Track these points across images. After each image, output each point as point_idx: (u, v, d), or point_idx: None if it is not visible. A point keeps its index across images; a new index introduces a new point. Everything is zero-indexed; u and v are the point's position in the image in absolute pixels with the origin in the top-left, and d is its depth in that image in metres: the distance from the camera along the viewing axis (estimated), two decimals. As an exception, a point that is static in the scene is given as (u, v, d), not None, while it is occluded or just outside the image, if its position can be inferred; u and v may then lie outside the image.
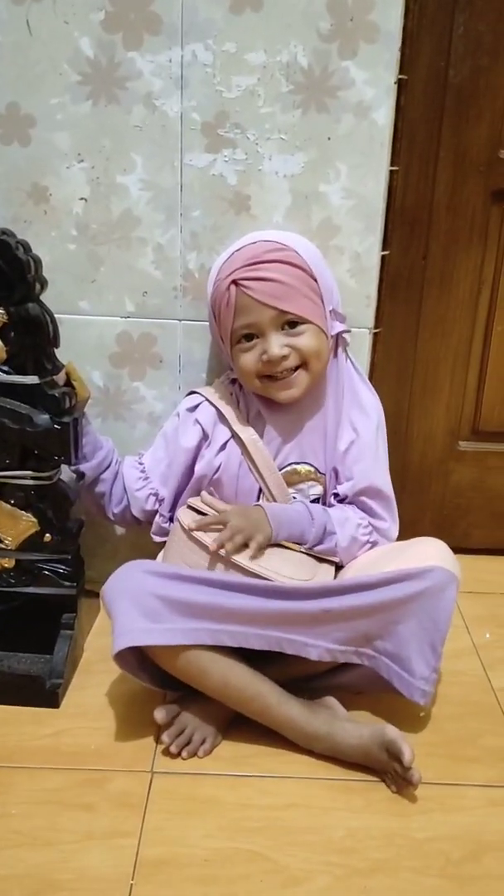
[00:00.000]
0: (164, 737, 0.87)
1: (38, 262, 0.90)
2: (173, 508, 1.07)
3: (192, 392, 1.07)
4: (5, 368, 0.91)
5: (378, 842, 0.78)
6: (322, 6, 0.95)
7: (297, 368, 0.97)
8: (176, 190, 1.03)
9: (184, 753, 0.87)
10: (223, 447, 1.03)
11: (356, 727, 0.88)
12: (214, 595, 0.88)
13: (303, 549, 0.97)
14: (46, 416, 0.91)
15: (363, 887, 0.73)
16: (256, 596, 0.89)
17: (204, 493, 1.03)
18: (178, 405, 1.08)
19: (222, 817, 0.80)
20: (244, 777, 0.85)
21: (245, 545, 0.92)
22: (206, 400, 1.05)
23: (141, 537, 1.14)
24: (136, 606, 0.86)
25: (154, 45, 0.97)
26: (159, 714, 0.88)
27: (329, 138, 1.01)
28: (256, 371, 0.97)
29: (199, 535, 0.94)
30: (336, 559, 0.99)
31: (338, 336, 1.01)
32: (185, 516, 0.98)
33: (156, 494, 1.07)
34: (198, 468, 1.04)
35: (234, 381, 1.06)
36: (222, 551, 0.91)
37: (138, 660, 0.89)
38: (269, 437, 1.02)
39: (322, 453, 1.03)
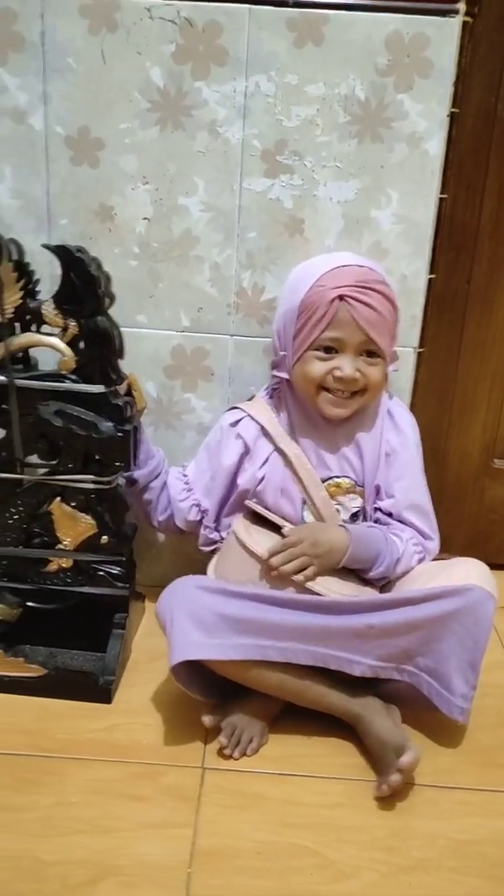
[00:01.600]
0: (222, 738, 0.91)
1: (108, 278, 0.95)
2: (217, 519, 1.12)
3: (234, 407, 1.12)
4: (73, 377, 0.96)
5: (420, 842, 0.81)
6: (380, 43, 1.00)
7: (355, 393, 1.01)
8: (234, 212, 1.08)
9: (235, 753, 0.91)
10: (266, 461, 1.07)
11: (392, 726, 0.91)
12: (262, 611, 0.92)
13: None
14: (110, 424, 0.96)
15: (408, 884, 0.76)
16: (303, 611, 0.92)
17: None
18: (221, 416, 1.13)
19: (271, 813, 0.84)
20: (290, 776, 0.89)
21: (304, 568, 0.96)
22: (248, 415, 1.09)
23: (185, 544, 1.19)
24: (190, 621, 0.90)
25: (220, 75, 1.02)
26: (207, 719, 0.92)
27: (382, 166, 1.06)
28: (320, 381, 1.00)
29: (253, 546, 0.98)
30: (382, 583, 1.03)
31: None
32: (243, 531, 1.02)
33: (198, 505, 1.11)
34: (240, 481, 1.08)
35: (272, 395, 1.11)
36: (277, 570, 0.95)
37: (188, 671, 0.92)
38: (307, 451, 1.06)
39: (360, 467, 1.06)
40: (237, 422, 1.10)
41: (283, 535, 1.00)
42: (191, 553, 1.18)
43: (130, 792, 0.85)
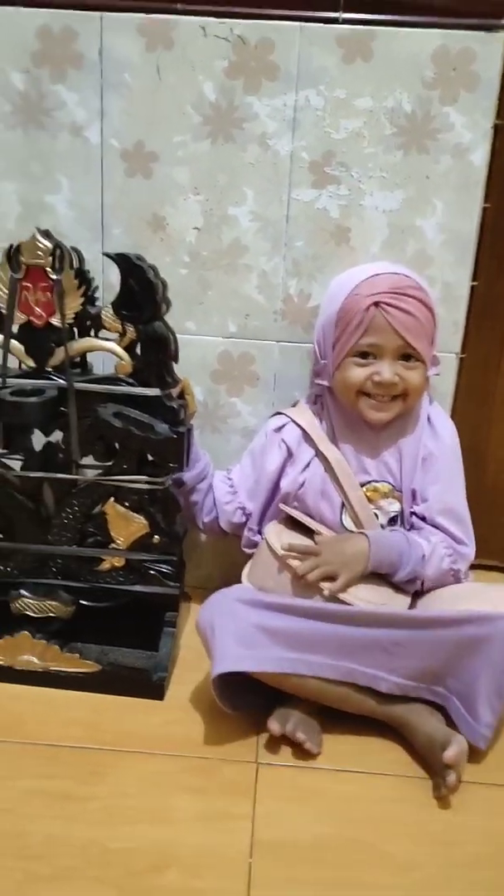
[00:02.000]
0: (300, 734, 0.91)
1: (165, 285, 0.98)
2: (261, 522, 1.14)
3: (278, 413, 1.14)
4: (130, 381, 0.99)
5: (476, 837, 0.82)
6: (427, 57, 1.03)
7: (395, 397, 1.04)
8: (282, 221, 1.11)
9: (315, 748, 0.92)
10: (307, 465, 1.09)
11: (437, 722, 0.92)
12: (293, 622, 0.93)
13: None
14: (165, 426, 0.98)
15: (469, 880, 0.77)
16: (332, 622, 0.93)
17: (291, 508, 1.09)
18: (266, 422, 1.15)
19: (327, 807, 0.85)
20: (343, 772, 0.90)
21: (331, 577, 0.97)
22: (292, 420, 1.12)
23: (228, 547, 1.21)
24: (229, 633, 0.92)
25: (271, 90, 1.06)
26: (273, 725, 0.93)
27: (427, 177, 1.08)
28: (360, 386, 1.03)
29: (281, 551, 1.00)
30: (415, 588, 1.03)
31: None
32: (274, 537, 1.04)
33: (243, 508, 1.14)
34: (283, 484, 1.11)
35: (315, 401, 1.13)
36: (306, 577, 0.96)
37: (228, 681, 0.92)
38: (348, 456, 1.08)
39: (398, 472, 1.08)
40: (281, 427, 1.12)
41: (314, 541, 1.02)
42: (234, 556, 1.20)
43: (188, 784, 0.87)
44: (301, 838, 0.81)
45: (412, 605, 1.02)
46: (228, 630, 0.92)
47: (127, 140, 1.09)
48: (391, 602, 0.99)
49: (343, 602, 0.96)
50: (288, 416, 1.12)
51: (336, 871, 0.77)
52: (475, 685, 0.91)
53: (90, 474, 1.05)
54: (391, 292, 1.00)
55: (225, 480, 1.15)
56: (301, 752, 0.92)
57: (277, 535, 1.04)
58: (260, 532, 1.13)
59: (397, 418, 1.06)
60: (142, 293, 0.95)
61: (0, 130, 1.10)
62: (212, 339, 1.17)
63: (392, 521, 1.08)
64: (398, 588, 1.02)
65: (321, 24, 1.03)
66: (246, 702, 0.95)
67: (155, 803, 0.84)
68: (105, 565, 1.06)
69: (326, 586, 0.96)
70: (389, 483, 1.08)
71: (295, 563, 0.99)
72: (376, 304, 0.99)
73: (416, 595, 1.04)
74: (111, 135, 1.09)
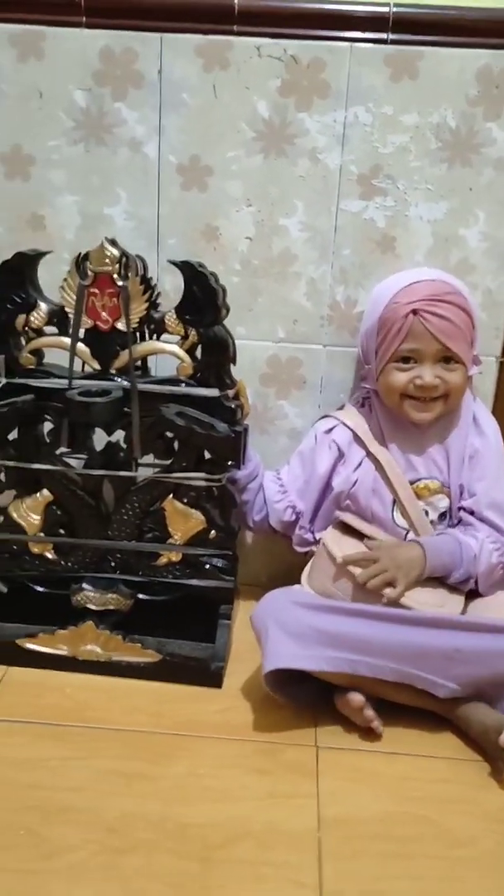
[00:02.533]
0: (369, 712, 0.95)
1: (224, 291, 1.03)
2: (313, 521, 1.18)
3: (326, 415, 1.19)
4: (191, 382, 1.04)
5: (531, 816, 0.86)
6: (471, 75, 1.09)
7: (437, 398, 1.08)
8: (330, 231, 1.16)
9: (377, 726, 0.96)
10: (359, 465, 1.14)
11: (488, 710, 0.96)
12: (353, 626, 0.96)
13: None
14: (224, 425, 1.03)
15: (527, 852, 0.81)
16: (392, 624, 0.96)
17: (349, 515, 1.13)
18: (314, 425, 1.20)
19: (387, 787, 0.89)
20: (399, 755, 0.94)
21: (389, 583, 1.00)
22: (341, 422, 1.17)
23: (274, 546, 1.25)
24: (283, 632, 0.96)
25: (321, 107, 1.11)
26: (355, 696, 0.96)
27: (471, 189, 1.13)
28: (403, 390, 1.08)
29: (339, 557, 1.04)
30: (469, 587, 1.07)
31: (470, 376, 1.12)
32: (333, 544, 1.07)
33: (293, 507, 1.18)
34: (335, 483, 1.15)
35: (363, 404, 1.18)
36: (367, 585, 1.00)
37: (277, 676, 0.96)
38: (396, 455, 1.13)
39: (446, 469, 1.13)
40: (331, 429, 1.17)
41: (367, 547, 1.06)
42: (281, 554, 1.25)
43: (254, 766, 0.91)
44: (364, 815, 0.85)
45: (465, 606, 1.06)
46: (285, 629, 0.96)
47: (183, 155, 1.15)
48: (447, 602, 1.03)
49: (403, 606, 1.00)
50: (337, 419, 1.17)
51: (399, 845, 0.81)
52: None
53: (149, 473, 1.10)
54: (428, 299, 1.05)
55: (275, 480, 1.20)
56: (359, 734, 0.97)
57: (336, 543, 1.08)
58: (312, 531, 1.18)
59: (442, 417, 1.11)
60: (204, 298, 1.00)
61: (62, 145, 1.15)
62: (261, 344, 1.22)
63: (442, 516, 1.13)
64: (452, 588, 1.06)
65: (370, 45, 1.08)
66: (299, 692, 0.99)
67: (225, 783, 0.88)
68: (162, 560, 1.11)
69: (387, 592, 1.00)
70: (438, 480, 1.13)
71: (356, 570, 1.02)
72: (415, 311, 1.04)
73: (469, 595, 1.08)
74: (168, 150, 1.14)
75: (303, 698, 0.99)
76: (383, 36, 1.08)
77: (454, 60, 1.08)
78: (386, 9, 1.06)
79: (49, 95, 1.13)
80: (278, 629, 0.96)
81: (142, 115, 1.13)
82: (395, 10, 1.06)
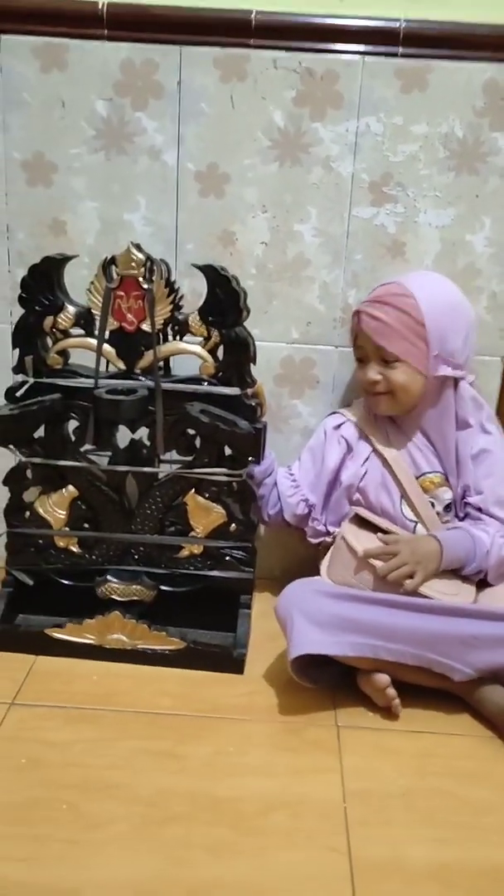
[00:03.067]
0: (391, 690, 1.00)
1: (245, 293, 1.07)
2: (323, 512, 1.24)
3: (335, 412, 1.25)
4: (213, 381, 1.08)
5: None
6: (478, 88, 1.14)
7: (383, 394, 1.15)
8: (343, 237, 1.22)
9: (397, 705, 1.01)
10: (366, 459, 1.20)
11: (503, 691, 1.01)
12: (375, 614, 1.01)
13: None
14: (245, 422, 1.08)
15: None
16: (412, 612, 1.01)
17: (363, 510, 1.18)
18: (323, 421, 1.25)
19: (407, 762, 0.94)
20: (417, 732, 0.99)
21: (409, 575, 1.05)
22: (349, 419, 1.22)
23: (288, 540, 1.31)
24: (308, 620, 1.01)
25: (335, 117, 1.16)
26: (380, 677, 1.01)
27: (477, 196, 1.19)
28: (362, 386, 1.18)
29: (359, 549, 1.09)
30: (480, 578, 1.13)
31: (456, 379, 1.15)
32: (352, 537, 1.12)
33: (306, 500, 1.23)
34: (344, 477, 1.21)
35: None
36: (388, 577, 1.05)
37: (301, 662, 1.01)
38: (400, 450, 1.19)
39: (447, 464, 1.18)
40: (339, 425, 1.23)
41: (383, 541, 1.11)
42: (294, 548, 1.30)
43: (279, 744, 0.96)
44: (386, 788, 0.90)
45: (476, 595, 1.11)
46: (309, 617, 1.01)
47: (201, 163, 1.19)
48: (461, 591, 1.09)
49: (421, 596, 1.05)
50: (345, 416, 1.23)
51: (422, 813, 0.86)
52: None
53: (170, 469, 1.15)
54: (369, 301, 1.14)
55: (287, 476, 1.25)
56: (378, 715, 1.02)
57: (355, 537, 1.12)
58: (325, 523, 1.23)
59: (436, 416, 1.17)
60: (227, 300, 1.05)
61: (84, 153, 1.20)
62: (275, 345, 1.27)
63: (447, 508, 1.18)
64: (465, 578, 1.11)
65: (382, 58, 1.14)
66: (321, 675, 1.04)
67: (253, 760, 0.93)
68: (184, 553, 1.15)
69: (406, 583, 1.05)
70: (440, 473, 1.18)
71: (377, 563, 1.07)
72: (357, 313, 1.15)
73: (479, 585, 1.13)
74: (187, 158, 1.19)
75: (324, 681, 1.04)
76: (394, 49, 1.13)
77: (462, 73, 1.14)
78: (396, 24, 1.12)
79: (71, 105, 1.18)
80: (303, 617, 1.01)
81: (161, 125, 1.18)
82: (405, 25, 1.12)
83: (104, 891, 0.75)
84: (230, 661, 1.10)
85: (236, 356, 1.08)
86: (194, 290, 1.12)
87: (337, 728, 0.99)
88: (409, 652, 1.00)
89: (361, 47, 1.13)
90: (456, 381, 1.16)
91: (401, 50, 1.13)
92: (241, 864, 0.79)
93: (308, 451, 1.26)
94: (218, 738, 0.96)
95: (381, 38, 1.13)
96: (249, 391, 1.10)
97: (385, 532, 1.13)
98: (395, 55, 1.13)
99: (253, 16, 1.12)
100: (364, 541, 1.11)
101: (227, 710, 1.02)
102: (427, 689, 1.03)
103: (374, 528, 1.15)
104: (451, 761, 0.94)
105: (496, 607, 1.04)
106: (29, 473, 1.14)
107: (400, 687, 1.02)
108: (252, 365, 1.10)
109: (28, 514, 1.15)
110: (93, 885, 0.76)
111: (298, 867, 0.79)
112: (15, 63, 1.16)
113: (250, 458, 1.10)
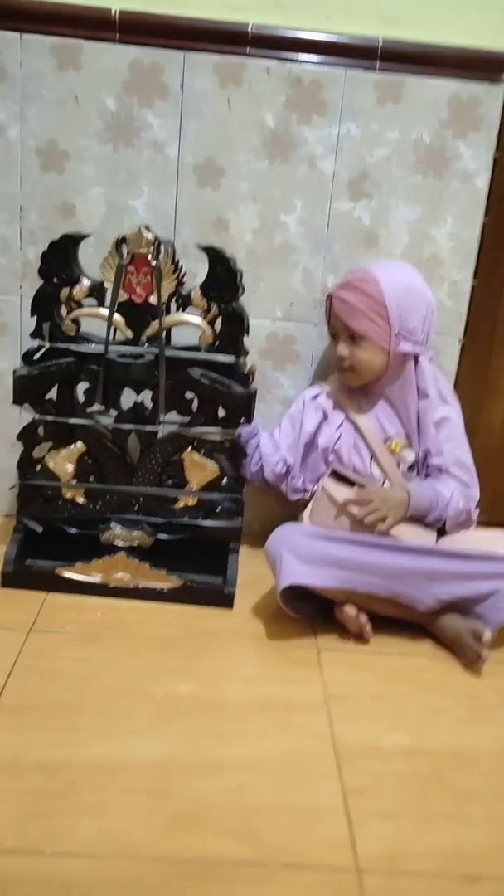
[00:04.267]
0: (363, 618, 1.16)
1: (241, 273, 1.22)
2: (302, 472, 1.39)
3: (312, 386, 1.41)
4: (208, 349, 1.23)
5: (492, 694, 1.08)
6: (444, 101, 1.31)
7: (347, 369, 1.32)
8: (324, 227, 1.37)
9: (368, 631, 1.17)
10: (340, 425, 1.36)
11: (460, 618, 1.18)
12: (351, 551, 1.17)
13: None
14: (240, 386, 1.23)
15: (491, 718, 1.03)
16: (384, 550, 1.18)
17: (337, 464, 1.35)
18: (303, 392, 1.41)
19: (378, 675, 1.11)
20: (386, 654, 1.16)
21: (382, 519, 1.22)
22: (325, 391, 1.39)
23: (264, 498, 1.45)
24: (295, 557, 1.16)
25: (320, 122, 1.32)
26: (350, 609, 1.17)
27: (441, 196, 1.36)
28: (334, 361, 1.33)
29: (339, 498, 1.25)
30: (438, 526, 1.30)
31: (416, 355, 1.31)
32: (333, 488, 1.28)
33: (284, 461, 1.39)
34: (320, 441, 1.37)
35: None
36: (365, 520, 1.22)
37: (288, 595, 1.16)
38: (370, 417, 1.35)
39: (409, 429, 1.35)
40: (316, 396, 1.39)
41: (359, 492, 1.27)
42: (269, 507, 1.45)
43: (269, 661, 1.12)
44: (361, 693, 1.06)
45: (436, 541, 1.28)
46: (296, 554, 1.17)
47: (199, 157, 1.33)
48: (424, 536, 1.26)
49: (391, 537, 1.22)
50: (321, 388, 1.39)
51: (392, 711, 1.03)
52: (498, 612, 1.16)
53: (170, 428, 1.28)
54: (339, 286, 1.30)
55: (269, 438, 1.40)
56: (353, 640, 1.18)
57: (335, 488, 1.29)
58: (303, 481, 1.39)
59: (398, 385, 1.33)
60: (226, 278, 1.19)
61: (94, 144, 1.33)
62: (262, 322, 1.42)
63: (411, 467, 1.35)
64: (427, 526, 1.29)
65: (362, 71, 1.30)
66: (304, 607, 1.20)
67: (246, 672, 1.09)
68: (180, 504, 1.29)
69: (379, 526, 1.21)
70: (404, 437, 1.35)
71: (354, 509, 1.24)
72: (329, 296, 1.30)
73: (438, 533, 1.30)
74: (187, 152, 1.33)
75: (306, 612, 1.20)
76: (373, 64, 1.29)
77: (430, 88, 1.30)
78: (375, 42, 1.28)
79: (84, 101, 1.30)
80: (290, 554, 1.16)
81: (164, 122, 1.32)
82: (382, 43, 1.28)
83: (131, 765, 0.89)
84: (222, 597, 1.25)
85: (233, 328, 1.22)
86: (191, 271, 1.26)
87: (318, 650, 1.15)
88: (381, 584, 1.16)
89: (344, 61, 1.29)
90: (417, 356, 1.33)
91: (378, 65, 1.29)
92: (244, 747, 0.94)
93: (288, 418, 1.41)
94: (216, 657, 1.11)
95: (361, 54, 1.29)
96: (246, 369, 1.25)
97: (360, 486, 1.29)
98: (373, 69, 1.29)
99: (250, 28, 1.27)
100: (341, 490, 1.27)
101: (222, 635, 1.17)
102: (395, 621, 1.20)
103: (350, 483, 1.31)
104: (414, 674, 1.11)
105: (455, 547, 1.21)
106: (41, 431, 1.27)
107: (371, 619, 1.18)
108: (246, 336, 1.25)
109: (39, 467, 1.28)
110: (120, 761, 0.90)
111: (292, 749, 0.94)
112: (34, 60, 1.28)
113: (242, 419, 1.25)
